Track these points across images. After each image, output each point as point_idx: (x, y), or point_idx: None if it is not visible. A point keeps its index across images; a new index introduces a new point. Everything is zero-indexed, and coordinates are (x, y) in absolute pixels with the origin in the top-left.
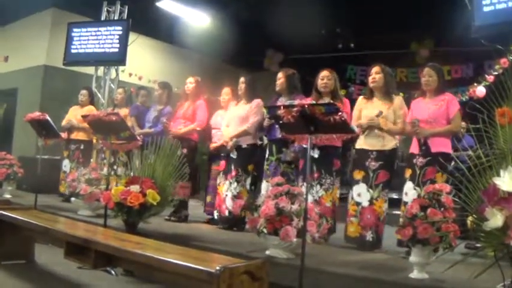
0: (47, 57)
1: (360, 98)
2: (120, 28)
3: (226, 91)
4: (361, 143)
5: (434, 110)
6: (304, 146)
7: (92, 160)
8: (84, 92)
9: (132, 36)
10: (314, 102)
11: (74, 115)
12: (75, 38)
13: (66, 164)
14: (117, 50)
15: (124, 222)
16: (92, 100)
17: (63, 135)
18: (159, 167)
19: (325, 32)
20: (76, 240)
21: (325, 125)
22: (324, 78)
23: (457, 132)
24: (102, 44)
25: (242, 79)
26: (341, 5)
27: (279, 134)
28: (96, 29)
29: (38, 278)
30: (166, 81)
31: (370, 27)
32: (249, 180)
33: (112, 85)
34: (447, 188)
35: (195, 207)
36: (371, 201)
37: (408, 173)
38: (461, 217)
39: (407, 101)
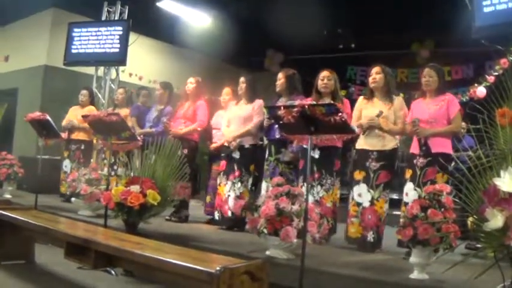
0: (47, 57)
1: (360, 98)
2: (120, 28)
3: (226, 91)
4: (361, 143)
5: (434, 110)
6: (305, 146)
7: (92, 160)
8: (84, 92)
9: (132, 37)
10: (314, 102)
11: (75, 115)
12: (75, 38)
13: (66, 164)
14: (117, 50)
15: (124, 223)
16: (92, 100)
17: (64, 135)
18: (160, 167)
19: (326, 32)
20: (76, 240)
21: (326, 126)
22: (324, 78)
23: (457, 132)
24: (103, 44)
25: (242, 79)
26: (341, 5)
27: (277, 134)
28: (96, 29)
29: (38, 278)
30: (167, 81)
31: (370, 28)
32: (250, 181)
33: (112, 85)
34: (447, 188)
35: (195, 208)
36: (372, 202)
37: (409, 173)
38: (461, 218)
39: (408, 102)
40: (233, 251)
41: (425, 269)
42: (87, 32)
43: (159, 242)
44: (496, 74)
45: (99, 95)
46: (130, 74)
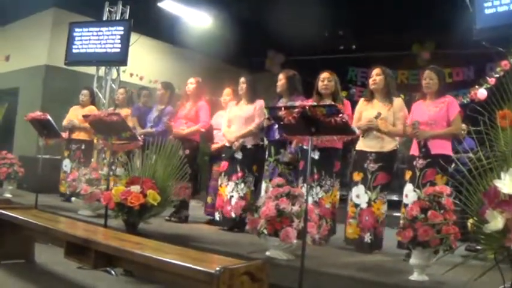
0: (48, 57)
1: (361, 99)
2: (121, 28)
3: (227, 92)
4: (360, 145)
5: (434, 112)
6: (305, 147)
7: (92, 160)
8: (85, 92)
9: (133, 37)
10: (315, 103)
11: (75, 115)
12: (76, 38)
13: (66, 164)
14: (118, 50)
15: (124, 223)
16: (93, 100)
17: (64, 135)
18: (160, 167)
19: (327, 33)
20: (76, 240)
21: (326, 127)
22: (324, 80)
23: (457, 134)
24: (104, 44)
25: (242, 79)
26: (342, 6)
27: (277, 135)
28: (97, 29)
29: (37, 277)
30: (169, 82)
31: (371, 29)
32: (253, 181)
33: (113, 85)
34: (448, 190)
35: (195, 208)
36: (369, 203)
37: (408, 175)
38: (461, 219)
39: (409, 104)
40: (233, 251)
41: (425, 271)
42: (88, 31)
43: (159, 242)
44: (497, 76)
45: (100, 95)
46: (131, 74)
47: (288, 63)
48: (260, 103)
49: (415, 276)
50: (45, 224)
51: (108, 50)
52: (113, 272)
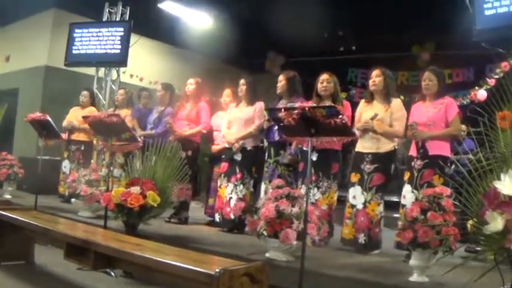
0: (48, 58)
1: (362, 101)
2: (121, 29)
3: (227, 93)
4: (358, 146)
5: (433, 113)
6: (305, 148)
7: (92, 161)
8: (85, 93)
9: (133, 38)
10: (315, 105)
11: (75, 116)
12: (76, 39)
13: (66, 165)
14: (118, 51)
15: (124, 224)
16: (93, 101)
17: (64, 136)
18: (160, 169)
19: (327, 34)
20: (76, 241)
21: (326, 128)
22: (324, 81)
23: (455, 135)
24: (104, 45)
25: (242, 81)
26: (342, 7)
27: (276, 137)
28: (97, 29)
29: (37, 278)
30: (169, 83)
31: (371, 30)
32: (252, 183)
33: (113, 86)
34: (447, 191)
35: (195, 209)
36: (365, 204)
37: (407, 175)
38: (461, 220)
39: (409, 105)
40: (233, 253)
41: (425, 272)
42: (88, 32)
43: (159, 243)
44: (497, 77)
45: (100, 96)
46: (131, 75)
47: (288, 65)
48: (260, 105)
49: (414, 277)
50: (45, 225)
51: (108, 51)
52: (112, 273)
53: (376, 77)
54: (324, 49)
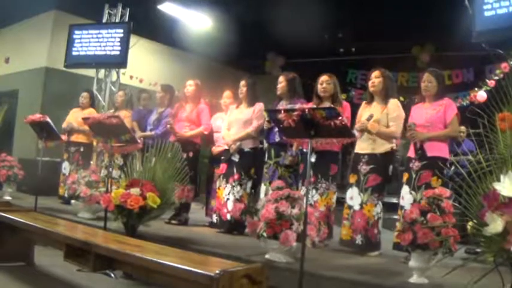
0: (48, 59)
1: (363, 103)
2: (121, 31)
3: (227, 94)
4: (356, 147)
5: (431, 114)
6: (305, 150)
7: (91, 162)
8: (85, 94)
9: (133, 39)
10: (315, 106)
11: (75, 117)
12: (76, 40)
13: (65, 166)
14: (118, 52)
15: (124, 225)
16: (93, 102)
17: (64, 137)
18: (160, 170)
19: (327, 36)
20: (76, 242)
21: (326, 129)
22: (323, 83)
23: (454, 136)
24: (104, 46)
25: (243, 82)
26: (342, 9)
27: (277, 138)
28: (97, 31)
29: (37, 280)
30: (169, 84)
31: (371, 32)
32: (250, 184)
33: (113, 88)
34: (447, 192)
35: (195, 211)
36: (361, 205)
37: (405, 177)
38: (461, 222)
39: (409, 106)
40: (232, 254)
41: (424, 273)
42: (88, 34)
43: (159, 245)
44: (497, 78)
45: (100, 97)
46: (131, 77)
47: (288, 66)
48: (259, 106)
49: (414, 279)
50: (45, 227)
51: (108, 53)
52: (112, 275)
53: (375, 78)
54: (324, 50)
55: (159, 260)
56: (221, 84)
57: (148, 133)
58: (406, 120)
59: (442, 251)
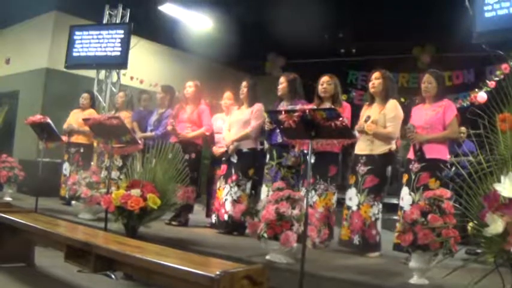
0: (48, 60)
1: (365, 104)
2: (122, 31)
3: (228, 95)
4: (356, 148)
5: (431, 116)
6: (306, 151)
7: (92, 163)
8: (85, 95)
9: (134, 40)
10: (315, 107)
11: (75, 118)
12: (77, 41)
13: (66, 167)
14: (118, 53)
15: (124, 226)
16: (93, 103)
17: (64, 138)
18: (160, 171)
19: (328, 36)
20: (76, 243)
21: (326, 130)
22: (324, 83)
23: (453, 138)
24: (104, 47)
25: (244, 83)
26: (343, 10)
27: (279, 139)
28: (98, 32)
29: (37, 281)
30: (169, 85)
31: (372, 32)
32: (249, 185)
33: (113, 88)
34: (447, 193)
35: (196, 212)
36: (359, 206)
37: (405, 178)
38: (461, 223)
39: (409, 107)
40: (233, 255)
41: (425, 274)
42: (88, 35)
43: (159, 246)
44: (497, 79)
45: (100, 98)
46: (132, 78)
47: (289, 66)
48: (257, 106)
49: (414, 280)
50: (45, 228)
51: (109, 53)
52: (113, 276)
53: (375, 79)
54: (324, 51)
55: (159, 261)
56: (221, 85)
57: (148, 134)
58: (406, 121)
59: (443, 252)
